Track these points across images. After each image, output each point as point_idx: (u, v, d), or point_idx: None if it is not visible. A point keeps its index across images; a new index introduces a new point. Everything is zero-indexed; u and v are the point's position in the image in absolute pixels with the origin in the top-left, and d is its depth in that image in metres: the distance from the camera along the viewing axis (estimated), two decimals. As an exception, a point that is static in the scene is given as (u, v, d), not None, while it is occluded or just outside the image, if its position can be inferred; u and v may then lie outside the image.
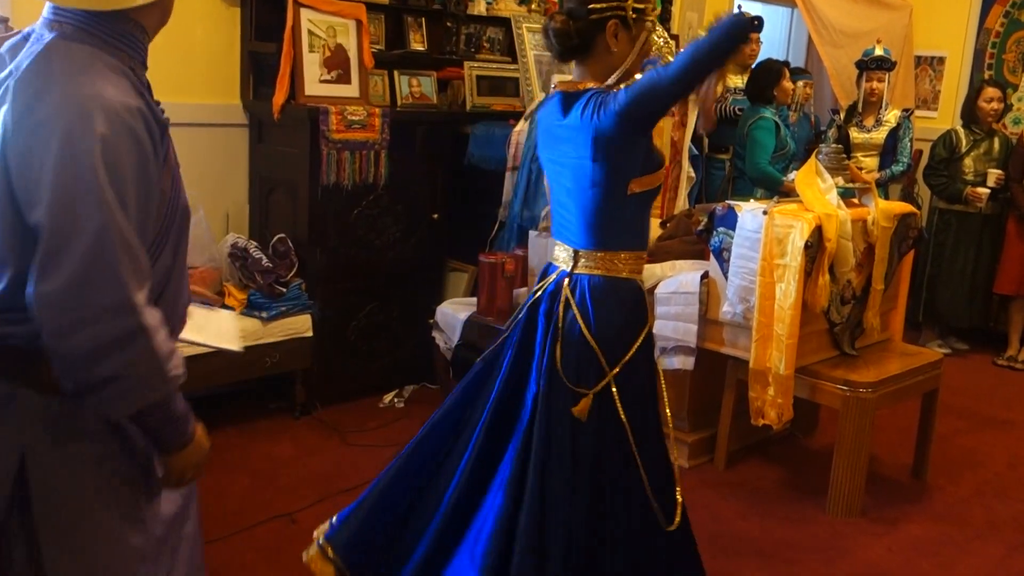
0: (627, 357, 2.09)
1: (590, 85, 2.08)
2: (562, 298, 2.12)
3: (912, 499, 3.50)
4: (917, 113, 6.09)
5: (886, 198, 5.16)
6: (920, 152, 6.13)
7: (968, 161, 5.27)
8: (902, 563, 3.02)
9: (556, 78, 3.84)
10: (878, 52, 5.28)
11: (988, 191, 5.18)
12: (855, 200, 3.56)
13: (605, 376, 2.08)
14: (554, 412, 2.08)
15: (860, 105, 5.36)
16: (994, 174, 5.21)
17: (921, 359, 3.59)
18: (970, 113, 5.32)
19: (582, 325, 2.08)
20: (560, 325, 2.11)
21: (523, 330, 2.20)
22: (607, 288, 2.12)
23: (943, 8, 6.18)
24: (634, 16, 2.03)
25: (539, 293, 2.21)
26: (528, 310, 2.22)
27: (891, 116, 5.26)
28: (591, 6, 2.01)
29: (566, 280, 2.14)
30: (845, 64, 5.91)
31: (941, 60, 6.30)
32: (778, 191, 4.21)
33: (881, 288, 3.56)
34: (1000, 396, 4.75)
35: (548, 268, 2.26)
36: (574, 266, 2.14)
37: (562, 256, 2.20)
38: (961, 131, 5.35)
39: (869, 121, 5.30)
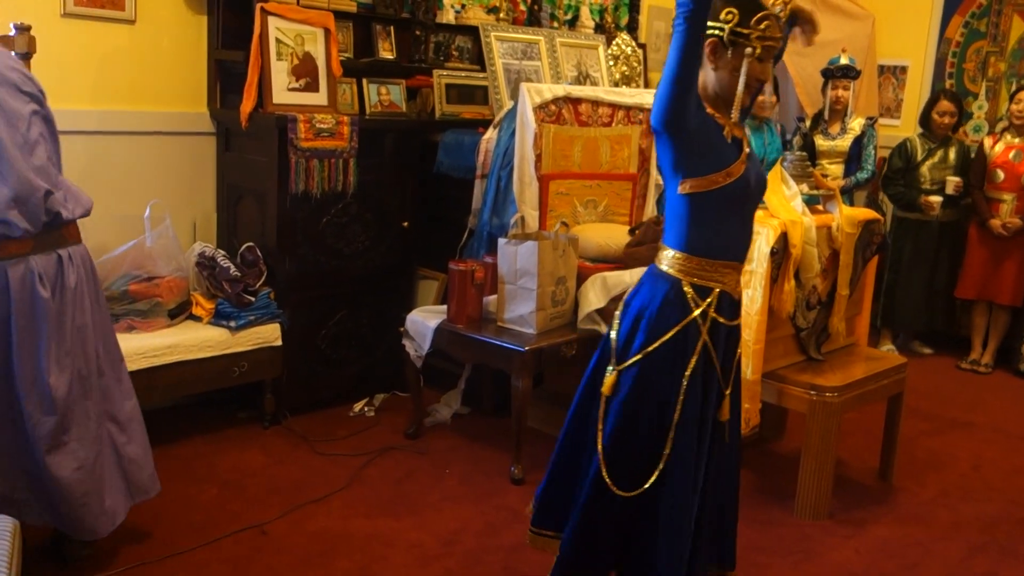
0: (650, 347, 2.18)
1: None
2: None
3: (878, 501, 3.54)
4: (881, 121, 6.19)
5: (851, 205, 5.23)
6: (884, 159, 6.23)
7: (924, 170, 5.38)
8: (868, 564, 3.06)
9: (525, 86, 3.87)
10: (843, 61, 5.36)
11: (941, 199, 5.28)
12: (820, 207, 3.61)
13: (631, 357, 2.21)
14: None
15: (826, 113, 5.44)
16: (952, 182, 5.31)
17: (886, 363, 3.64)
18: (926, 122, 5.42)
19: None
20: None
21: None
22: (649, 273, 2.26)
23: (905, 18, 6.29)
24: (731, 38, 2.07)
25: None
26: None
27: (856, 124, 5.35)
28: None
29: None
30: (811, 73, 5.99)
31: (904, 69, 6.40)
32: None
33: (846, 293, 3.60)
34: (963, 399, 4.83)
35: None
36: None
37: None
38: (917, 140, 5.45)
39: (834, 129, 5.38)
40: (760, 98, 4.84)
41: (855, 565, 3.04)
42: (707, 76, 2.14)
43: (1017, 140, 5.17)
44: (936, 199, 5.28)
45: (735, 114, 2.15)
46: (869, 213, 3.79)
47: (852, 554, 3.11)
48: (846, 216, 3.55)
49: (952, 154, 5.37)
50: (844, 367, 3.50)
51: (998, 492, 3.69)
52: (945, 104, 5.32)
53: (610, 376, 2.23)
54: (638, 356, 2.19)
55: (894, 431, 3.70)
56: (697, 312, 2.18)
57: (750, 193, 2.20)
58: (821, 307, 3.55)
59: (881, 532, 3.29)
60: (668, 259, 2.21)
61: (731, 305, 2.26)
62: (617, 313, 2.28)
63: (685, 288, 2.19)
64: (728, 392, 2.30)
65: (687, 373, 2.18)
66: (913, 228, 5.48)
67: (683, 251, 2.19)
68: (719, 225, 2.18)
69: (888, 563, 3.08)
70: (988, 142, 5.29)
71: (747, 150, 2.19)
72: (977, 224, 5.31)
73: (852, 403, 3.39)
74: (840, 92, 5.32)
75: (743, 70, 2.08)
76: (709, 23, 2.03)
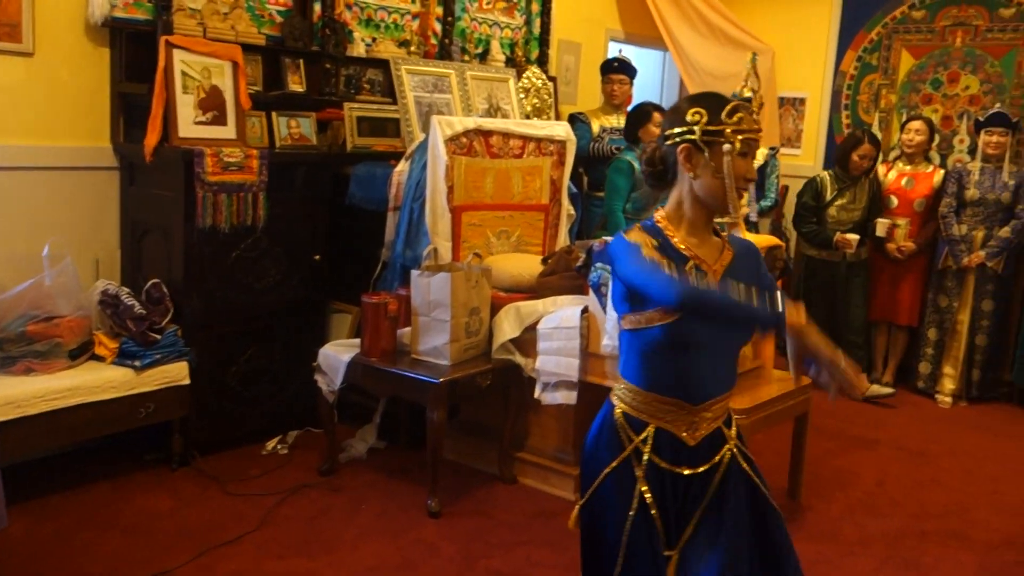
0: (594, 484, 1.99)
1: (659, 214, 1.98)
2: None
3: (788, 520, 3.61)
4: (782, 151, 6.42)
5: (756, 232, 5.41)
6: (786, 187, 6.45)
7: (833, 210, 5.37)
8: (780, 583, 3.12)
9: (435, 119, 3.90)
10: (745, 94, 5.55)
11: (858, 237, 5.24)
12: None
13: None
14: None
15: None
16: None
17: (791, 384, 3.74)
18: (843, 161, 5.37)
19: None
20: None
21: None
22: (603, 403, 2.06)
23: (803, 52, 6.55)
24: (705, 139, 1.89)
25: None
26: None
27: (758, 154, 5.51)
28: (667, 132, 1.95)
29: None
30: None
31: (803, 101, 6.66)
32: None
33: (752, 318, 3.70)
34: (867, 417, 5.00)
35: None
36: None
37: None
38: (827, 177, 5.43)
39: (738, 159, 5.55)
40: (657, 131, 4.93)
41: (767, 584, 3.11)
42: (685, 189, 1.94)
43: (908, 168, 5.42)
44: (854, 237, 5.23)
45: (732, 213, 1.93)
46: (771, 239, 3.91)
47: (764, 573, 3.18)
48: (749, 243, 3.66)
49: (863, 192, 5.36)
50: (752, 389, 3.60)
51: (901, 507, 3.82)
52: (867, 148, 5.28)
53: (574, 512, 2.06)
54: (587, 495, 2.00)
55: (801, 451, 3.81)
56: (630, 448, 1.96)
57: (698, 337, 1.88)
58: (728, 332, 3.64)
59: (791, 550, 3.36)
60: (617, 385, 2.02)
61: (678, 450, 1.95)
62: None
63: (617, 416, 1.98)
64: (676, 552, 1.95)
65: (627, 525, 1.94)
66: (821, 267, 5.46)
67: (623, 376, 1.99)
68: (662, 361, 1.93)
69: (798, 581, 3.15)
70: (882, 170, 5.53)
71: (715, 280, 1.91)
72: (873, 248, 5.53)
73: (760, 424, 3.48)
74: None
75: (726, 170, 1.88)
76: (677, 128, 1.91)
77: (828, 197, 5.38)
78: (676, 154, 1.92)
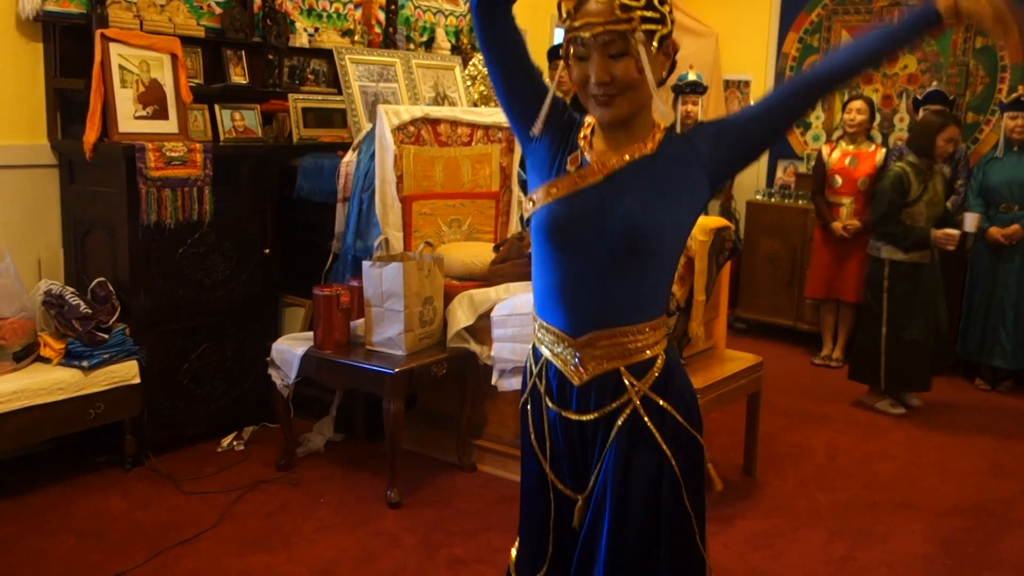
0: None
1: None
2: None
3: (744, 496, 3.69)
4: (729, 133, 6.49)
5: (705, 213, 5.46)
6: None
7: (921, 206, 4.63)
8: (736, 558, 3.18)
9: (382, 108, 3.87)
10: (691, 77, 5.62)
11: (959, 233, 4.64)
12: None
13: None
14: None
15: (678, 127, 5.66)
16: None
17: (743, 363, 3.81)
18: (926, 148, 4.64)
19: None
20: None
21: None
22: None
23: (746, 35, 6.64)
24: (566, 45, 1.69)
25: None
26: None
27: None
28: None
29: None
30: (661, 89, 6.23)
31: (747, 83, 6.75)
32: None
33: (703, 299, 3.74)
34: (818, 392, 5.10)
35: None
36: None
37: None
38: (909, 170, 4.64)
39: (685, 142, 5.60)
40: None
41: (724, 559, 3.16)
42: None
43: (851, 147, 5.51)
44: (954, 232, 4.57)
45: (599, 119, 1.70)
46: (720, 221, 3.95)
47: (721, 549, 3.23)
48: (698, 224, 3.70)
49: (940, 184, 4.73)
50: (705, 369, 3.64)
51: (852, 479, 3.90)
52: (952, 130, 4.63)
53: None
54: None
55: (755, 428, 3.87)
56: (531, 383, 1.84)
57: (577, 232, 1.65)
58: (680, 313, 3.68)
59: (747, 526, 3.43)
60: None
61: (565, 390, 1.75)
62: None
63: (530, 348, 1.86)
64: (581, 499, 1.78)
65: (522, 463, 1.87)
66: (913, 272, 4.67)
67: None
68: (540, 275, 1.74)
69: (755, 554, 3.21)
70: (825, 150, 5.62)
71: (594, 178, 1.66)
72: (820, 227, 5.63)
73: (715, 403, 3.52)
74: (690, 107, 5.57)
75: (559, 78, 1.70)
76: None
77: (916, 192, 4.62)
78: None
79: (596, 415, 1.73)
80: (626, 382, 1.71)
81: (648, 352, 1.72)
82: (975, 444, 4.37)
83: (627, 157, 1.68)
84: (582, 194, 1.67)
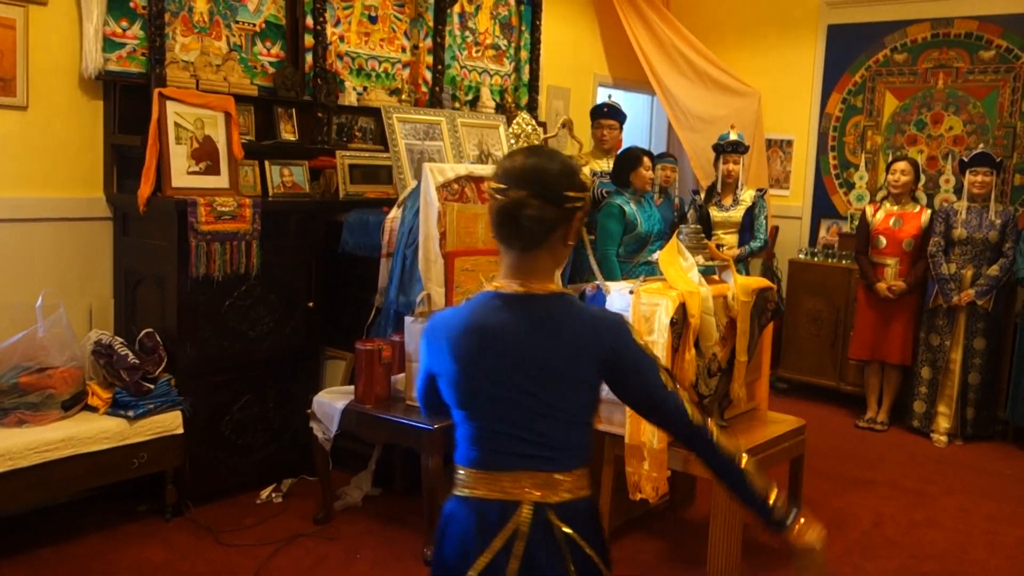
0: None
1: (550, 287, 1.74)
2: None
3: (787, 563, 3.61)
4: (771, 192, 6.49)
5: (747, 273, 5.44)
6: (776, 228, 6.51)
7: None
8: (779, 628, 3.10)
9: (427, 166, 3.93)
10: (732, 136, 5.63)
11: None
12: (715, 277, 3.74)
13: None
14: None
15: (719, 185, 5.68)
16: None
17: (786, 426, 3.75)
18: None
19: None
20: None
21: None
22: None
23: (789, 95, 6.66)
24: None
25: None
26: None
27: (747, 195, 5.59)
28: (568, 193, 1.70)
29: None
30: (703, 147, 6.27)
31: (789, 143, 6.75)
32: (615, 278, 4.37)
33: (745, 360, 3.72)
34: (862, 457, 4.99)
35: None
36: None
37: None
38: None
39: (727, 200, 5.61)
40: (648, 174, 4.95)
41: (767, 629, 3.09)
42: (559, 257, 1.79)
43: (896, 208, 5.48)
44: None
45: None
46: (762, 282, 3.94)
47: (763, 618, 3.16)
48: (740, 285, 3.69)
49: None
50: (747, 431, 3.60)
51: (898, 548, 3.80)
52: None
53: None
54: None
55: (798, 492, 3.80)
56: None
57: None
58: (722, 374, 3.65)
59: (790, 594, 3.35)
60: None
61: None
62: None
63: None
64: None
65: None
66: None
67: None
68: None
69: (798, 625, 3.12)
70: (870, 210, 5.58)
71: None
72: (864, 287, 5.57)
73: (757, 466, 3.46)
74: (731, 166, 5.57)
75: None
76: (581, 192, 1.72)
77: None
78: (571, 219, 1.72)
79: None
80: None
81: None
82: (1027, 514, 4.24)
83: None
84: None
